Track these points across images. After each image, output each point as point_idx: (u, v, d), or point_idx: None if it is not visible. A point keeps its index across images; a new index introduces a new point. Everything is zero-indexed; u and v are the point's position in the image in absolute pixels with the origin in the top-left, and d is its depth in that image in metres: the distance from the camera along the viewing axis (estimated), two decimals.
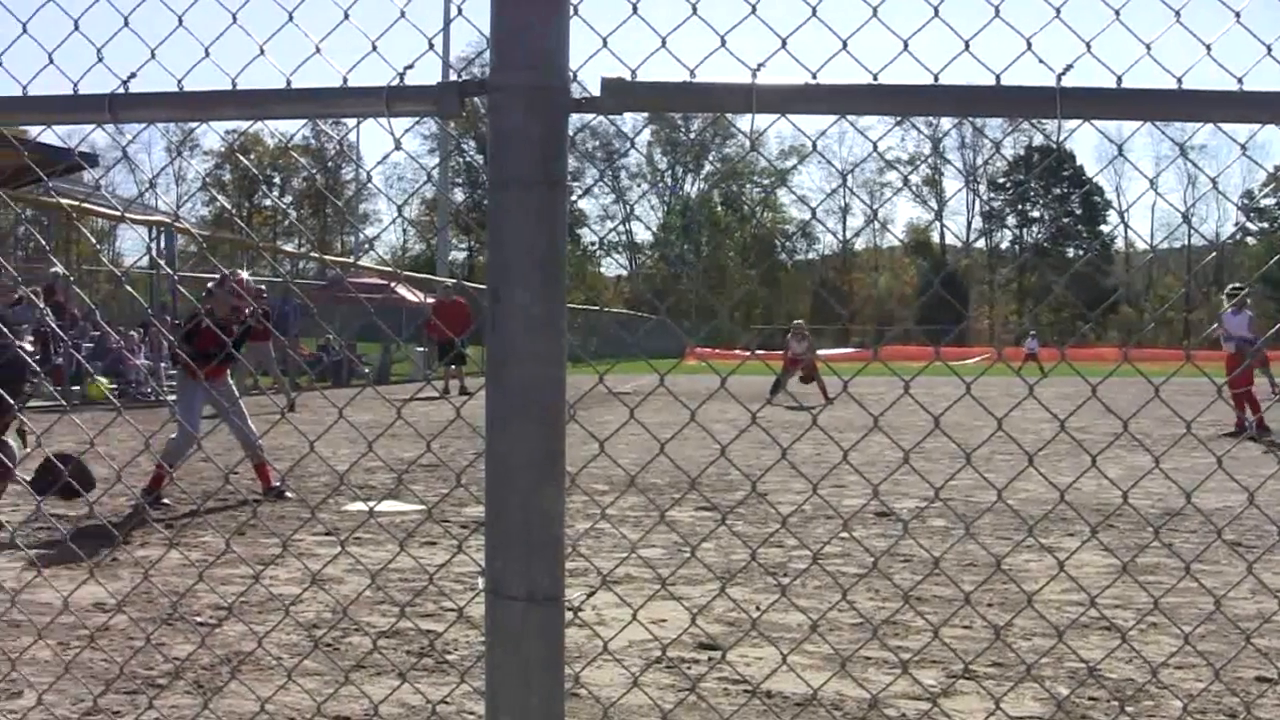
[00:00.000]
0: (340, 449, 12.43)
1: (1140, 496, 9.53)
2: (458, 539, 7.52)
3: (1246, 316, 16.79)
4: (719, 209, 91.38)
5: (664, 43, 2.30)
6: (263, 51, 2.55)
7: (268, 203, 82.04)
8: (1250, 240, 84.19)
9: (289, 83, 2.42)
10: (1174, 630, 5.41)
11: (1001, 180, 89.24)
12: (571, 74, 2.17)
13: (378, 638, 5.28)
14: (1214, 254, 67.98)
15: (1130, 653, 5.04)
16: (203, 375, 8.72)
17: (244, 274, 10.55)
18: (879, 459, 12.44)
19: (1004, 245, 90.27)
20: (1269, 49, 2.30)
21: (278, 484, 9.75)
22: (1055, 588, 6.19)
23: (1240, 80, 2.18)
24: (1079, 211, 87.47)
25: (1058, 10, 2.34)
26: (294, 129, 54.79)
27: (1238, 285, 19.11)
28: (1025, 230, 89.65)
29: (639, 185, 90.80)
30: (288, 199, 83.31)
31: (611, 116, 2.29)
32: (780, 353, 24.09)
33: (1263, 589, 6.02)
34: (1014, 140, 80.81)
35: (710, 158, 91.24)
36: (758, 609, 5.90)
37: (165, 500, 9.32)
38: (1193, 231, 68.78)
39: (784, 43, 2.26)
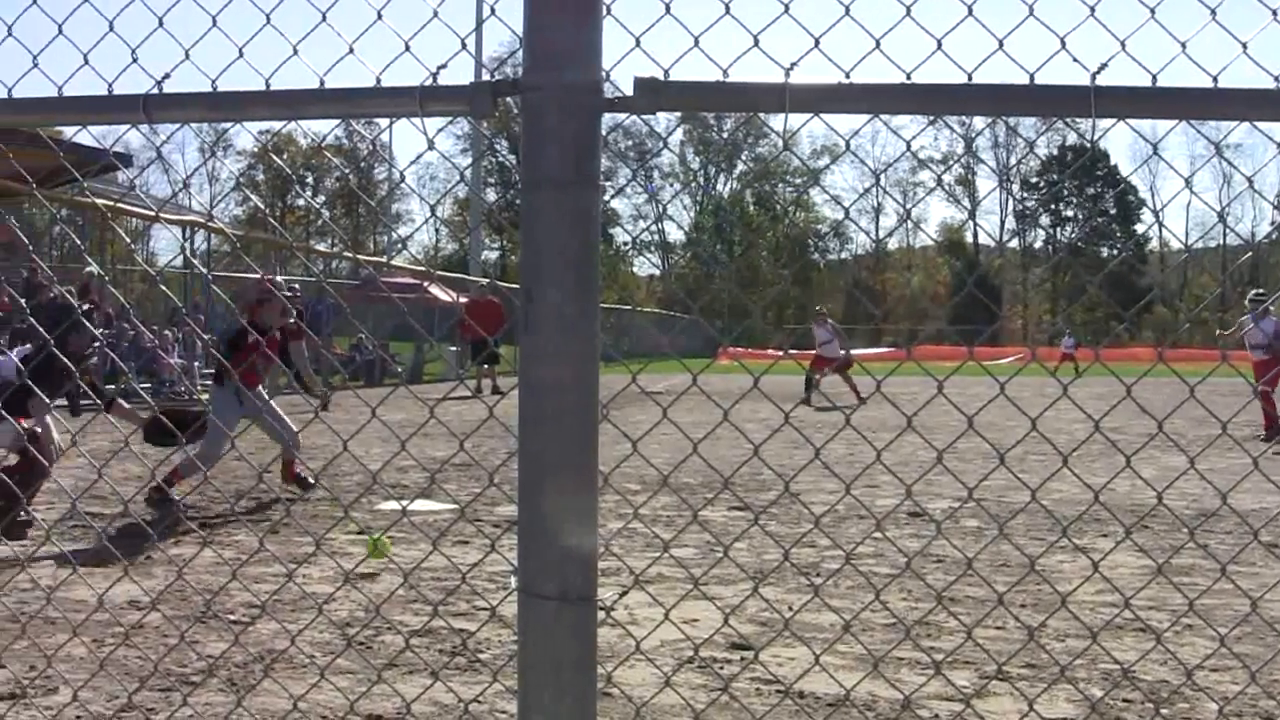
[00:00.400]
0: (373, 448, 12.46)
1: (1175, 497, 9.48)
2: (490, 538, 7.52)
3: (1272, 321, 16.82)
4: (751, 208, 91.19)
5: (696, 42, 2.29)
6: (296, 52, 2.56)
7: (301, 203, 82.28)
8: None
9: (322, 83, 2.43)
10: (1209, 632, 5.37)
11: (1035, 179, 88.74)
12: (604, 74, 2.17)
13: (410, 636, 5.29)
14: (1249, 254, 67.52)
15: (1165, 654, 5.01)
16: (237, 378, 8.72)
17: (277, 278, 10.55)
18: (912, 459, 12.41)
19: (1038, 245, 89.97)
20: None
21: (300, 471, 9.73)
22: (1089, 589, 6.17)
23: (1277, 79, 2.16)
24: (1113, 211, 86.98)
25: (1092, 9, 2.32)
26: (327, 129, 54.96)
27: (1260, 292, 19.08)
28: (1059, 230, 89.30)
29: (672, 185, 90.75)
30: (321, 199, 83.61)
31: (644, 116, 2.29)
32: (813, 352, 23.99)
33: None
34: (1048, 139, 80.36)
35: (743, 157, 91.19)
36: (790, 609, 5.88)
37: (175, 496, 9.14)
38: (1228, 231, 68.33)
39: (817, 42, 2.26)
